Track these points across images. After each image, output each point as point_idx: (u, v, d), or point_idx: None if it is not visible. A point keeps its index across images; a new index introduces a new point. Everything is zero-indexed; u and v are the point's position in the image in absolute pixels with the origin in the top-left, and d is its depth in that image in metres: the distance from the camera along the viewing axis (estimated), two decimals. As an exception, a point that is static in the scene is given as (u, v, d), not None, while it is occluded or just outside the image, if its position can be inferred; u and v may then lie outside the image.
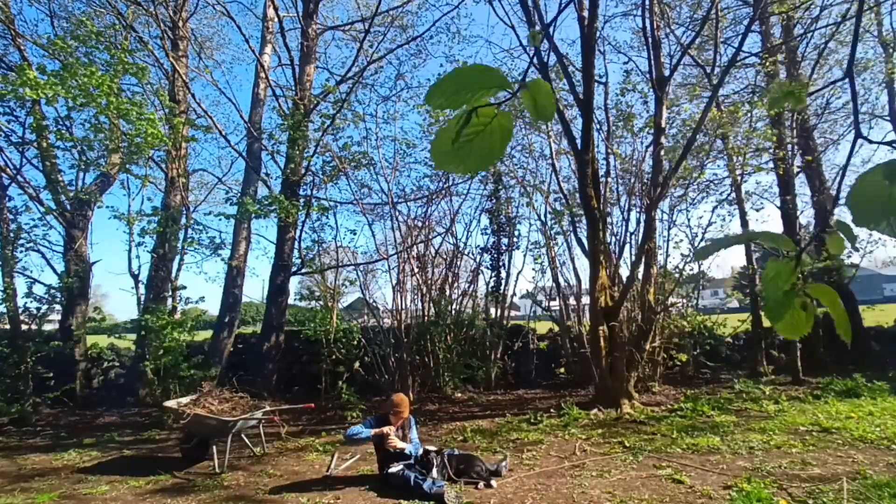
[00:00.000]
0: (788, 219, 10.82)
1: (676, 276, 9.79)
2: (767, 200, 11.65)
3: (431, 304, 10.36)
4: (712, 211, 10.34)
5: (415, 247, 10.53)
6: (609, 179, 9.71)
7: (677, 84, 11.10)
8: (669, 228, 10.23)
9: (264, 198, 9.49)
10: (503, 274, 11.17)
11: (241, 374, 8.96)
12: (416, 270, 10.27)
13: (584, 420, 7.15)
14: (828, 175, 12.07)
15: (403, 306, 10.20)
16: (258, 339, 10.44)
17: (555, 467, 5.17)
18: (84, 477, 5.48)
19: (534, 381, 10.78)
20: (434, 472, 4.74)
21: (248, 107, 11.54)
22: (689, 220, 11.11)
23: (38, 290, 9.06)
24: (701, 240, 10.26)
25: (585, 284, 9.78)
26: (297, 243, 10.44)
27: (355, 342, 9.66)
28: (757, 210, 11.22)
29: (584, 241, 8.88)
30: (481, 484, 4.71)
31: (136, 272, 9.54)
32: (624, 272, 9.34)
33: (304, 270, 10.63)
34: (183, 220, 9.48)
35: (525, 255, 11.92)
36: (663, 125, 8.71)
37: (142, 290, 9.53)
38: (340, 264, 10.83)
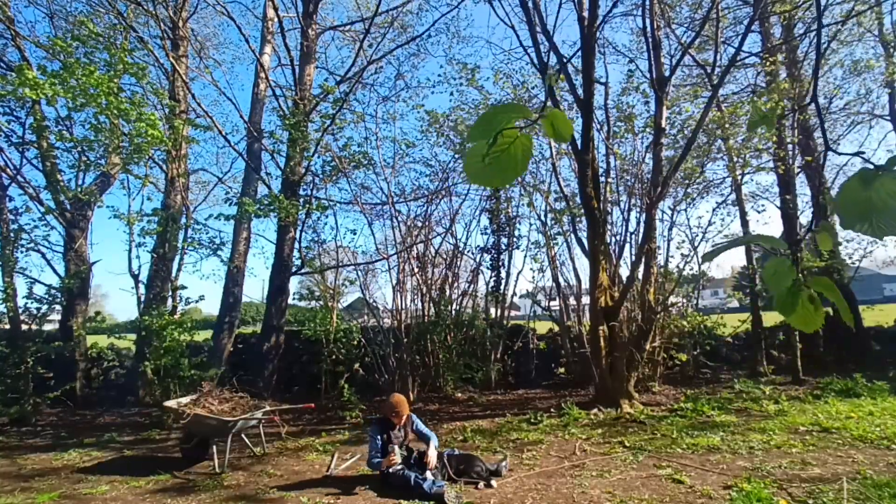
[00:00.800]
0: (789, 219, 10.81)
1: (676, 276, 9.79)
2: (767, 200, 11.67)
3: (431, 304, 10.36)
4: (713, 211, 10.36)
5: (415, 247, 10.53)
6: (609, 179, 9.71)
7: (677, 84, 11.09)
8: (669, 228, 10.25)
9: (264, 197, 9.49)
10: (503, 274, 11.19)
11: (241, 374, 8.96)
12: (416, 270, 10.28)
13: (584, 420, 7.15)
14: (828, 175, 12.08)
15: (403, 306, 10.21)
16: (258, 339, 10.44)
17: (555, 467, 5.17)
18: (84, 477, 5.48)
19: (534, 381, 10.78)
20: (434, 473, 4.75)
21: (248, 107, 11.55)
22: (689, 220, 11.12)
23: (39, 290, 9.07)
24: (701, 240, 10.28)
25: (585, 284, 9.78)
26: (297, 243, 10.45)
27: (355, 342, 9.66)
28: (759, 212, 11.23)
29: (584, 241, 8.88)
30: (481, 484, 4.71)
31: (136, 272, 9.54)
32: (624, 272, 9.35)
33: (304, 270, 10.63)
34: (183, 220, 9.48)
35: (525, 255, 11.92)
36: (663, 125, 8.71)
37: (142, 290, 9.52)
38: (340, 264, 10.83)
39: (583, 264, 10.52)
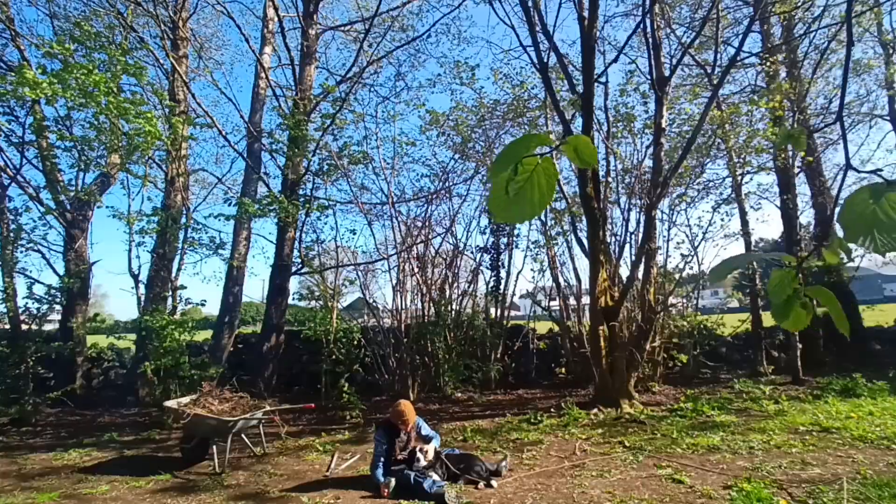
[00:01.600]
0: (788, 218, 10.82)
1: (676, 276, 9.79)
2: (767, 200, 11.67)
3: (431, 304, 10.36)
4: (713, 211, 10.36)
5: (415, 247, 10.53)
6: (609, 179, 9.70)
7: (677, 84, 11.08)
8: (669, 228, 10.26)
9: (264, 197, 9.49)
10: (503, 274, 11.19)
11: (241, 374, 8.96)
12: (416, 270, 10.27)
13: (584, 420, 7.15)
14: (828, 175, 12.08)
15: (403, 306, 10.21)
16: (258, 339, 10.44)
17: (555, 467, 5.17)
18: (84, 477, 5.48)
19: (534, 381, 10.78)
20: (434, 472, 4.75)
21: (248, 107, 11.55)
22: (688, 220, 11.10)
23: (39, 290, 9.08)
24: (702, 240, 10.28)
25: (585, 284, 9.78)
26: (297, 243, 10.44)
27: (355, 342, 9.65)
28: (755, 209, 11.23)
29: (584, 241, 8.88)
30: (481, 484, 4.70)
31: (136, 272, 9.55)
32: (624, 272, 9.35)
33: (304, 270, 10.64)
34: (183, 220, 9.48)
35: (525, 255, 11.93)
36: (663, 125, 8.71)
37: (142, 290, 9.53)
38: (340, 264, 10.83)
39: (583, 264, 10.52)
